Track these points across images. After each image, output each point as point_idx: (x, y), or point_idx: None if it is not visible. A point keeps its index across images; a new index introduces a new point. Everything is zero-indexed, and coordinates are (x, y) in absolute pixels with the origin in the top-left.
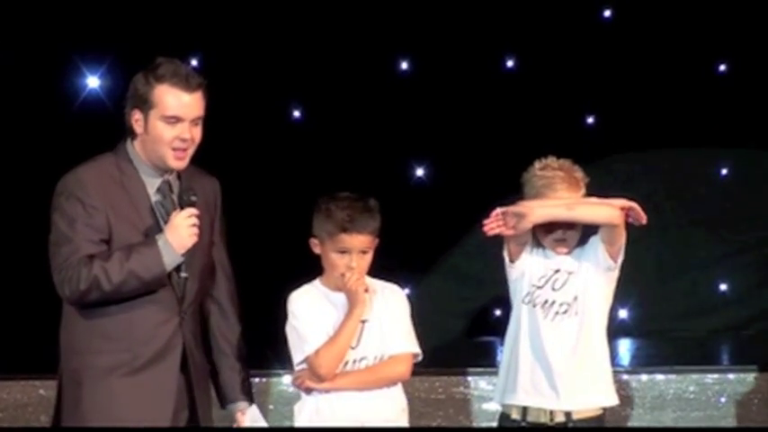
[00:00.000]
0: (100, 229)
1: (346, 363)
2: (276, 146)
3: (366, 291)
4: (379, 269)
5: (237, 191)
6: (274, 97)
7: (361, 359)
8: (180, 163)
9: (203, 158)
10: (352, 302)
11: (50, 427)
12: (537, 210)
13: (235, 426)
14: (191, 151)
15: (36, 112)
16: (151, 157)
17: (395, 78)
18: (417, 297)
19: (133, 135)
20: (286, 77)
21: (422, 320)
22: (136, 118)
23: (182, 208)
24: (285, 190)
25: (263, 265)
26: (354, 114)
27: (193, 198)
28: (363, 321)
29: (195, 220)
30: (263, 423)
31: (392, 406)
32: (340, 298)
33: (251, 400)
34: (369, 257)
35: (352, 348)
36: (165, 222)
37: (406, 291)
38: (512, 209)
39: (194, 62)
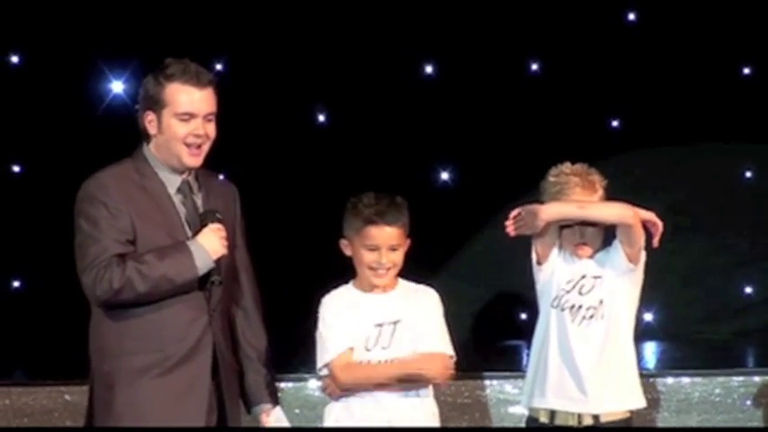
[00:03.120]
0: (125, 230)
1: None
2: (301, 150)
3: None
4: (405, 272)
5: (263, 195)
6: (299, 101)
7: (393, 360)
8: (195, 159)
9: (229, 162)
10: (406, 369)
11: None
12: (548, 208)
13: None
14: (206, 147)
15: (61, 116)
16: (167, 157)
17: (420, 82)
18: (441, 299)
19: (148, 138)
20: (311, 81)
21: (447, 324)
22: (149, 119)
23: (205, 226)
24: (310, 194)
25: (291, 269)
26: (379, 118)
27: (219, 216)
28: (395, 322)
29: (224, 234)
30: (286, 424)
31: (422, 410)
32: (372, 299)
33: (276, 402)
34: (399, 255)
35: (384, 349)
36: (188, 222)
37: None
38: (525, 208)
39: (219, 66)
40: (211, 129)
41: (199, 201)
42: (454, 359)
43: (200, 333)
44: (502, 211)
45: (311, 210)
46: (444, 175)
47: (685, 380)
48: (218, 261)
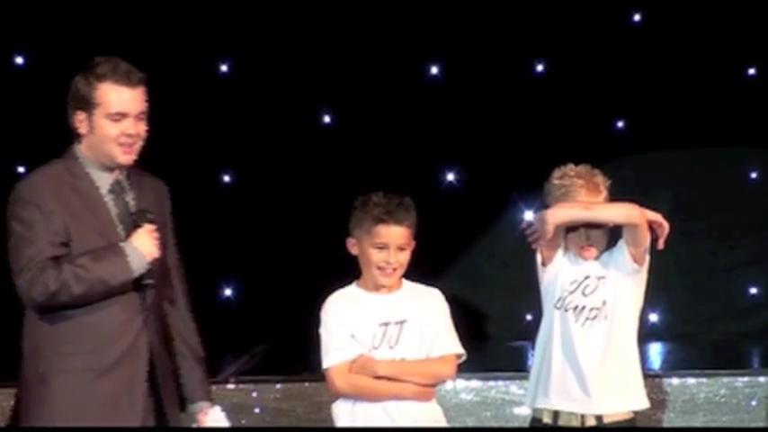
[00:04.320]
0: (59, 232)
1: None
2: (307, 151)
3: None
4: (410, 272)
5: (268, 195)
6: (305, 102)
7: (401, 360)
8: (128, 158)
9: (235, 162)
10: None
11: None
12: (555, 212)
13: (195, 426)
14: (137, 146)
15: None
16: (99, 156)
17: (425, 83)
18: (446, 300)
19: (78, 137)
20: (316, 83)
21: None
22: (80, 119)
23: (138, 227)
24: (315, 195)
25: (297, 268)
26: (385, 119)
27: (150, 216)
28: (402, 322)
29: (157, 235)
30: (226, 423)
31: (427, 412)
32: (377, 299)
33: (212, 400)
34: (406, 255)
35: (390, 348)
36: (121, 222)
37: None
38: (534, 217)
39: (225, 67)
40: (142, 127)
41: (130, 199)
42: (464, 357)
43: (136, 334)
44: (507, 211)
45: (317, 210)
46: (450, 176)
47: (690, 380)
48: (151, 262)
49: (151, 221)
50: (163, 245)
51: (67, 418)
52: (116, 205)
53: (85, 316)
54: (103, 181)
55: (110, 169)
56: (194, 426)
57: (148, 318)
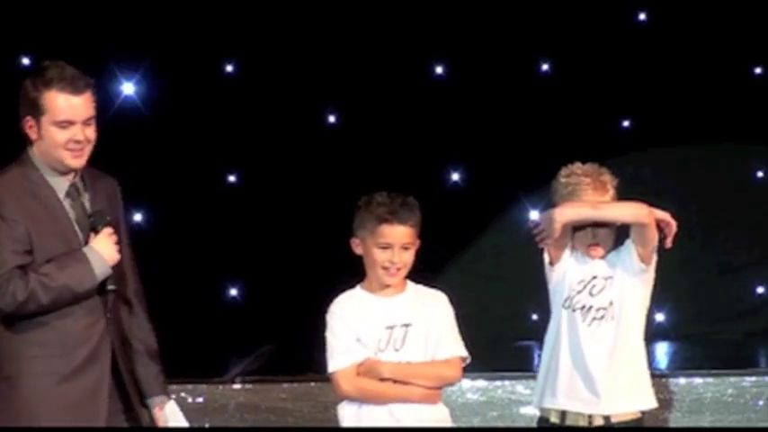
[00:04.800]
0: (22, 240)
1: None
2: (312, 151)
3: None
4: (416, 273)
5: (274, 195)
6: (309, 102)
7: (407, 363)
8: (78, 161)
9: (240, 162)
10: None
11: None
12: (563, 211)
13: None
14: (87, 150)
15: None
16: (50, 161)
17: (430, 83)
18: (452, 300)
19: (30, 142)
20: (321, 82)
21: (458, 324)
22: (30, 124)
23: (95, 230)
24: (320, 195)
25: (302, 268)
26: (389, 119)
27: (108, 218)
28: (407, 325)
29: (116, 238)
30: (181, 417)
31: (434, 414)
32: (382, 302)
33: (168, 395)
34: (410, 255)
35: (396, 351)
36: (79, 226)
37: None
38: (540, 216)
39: (230, 68)
40: (91, 132)
41: (87, 202)
42: (468, 360)
43: (99, 337)
44: (512, 211)
45: (322, 210)
46: (455, 176)
47: (698, 380)
48: (113, 267)
49: (108, 224)
50: (117, 242)
51: (34, 421)
52: (74, 209)
53: (51, 320)
54: (60, 185)
55: (64, 173)
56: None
57: (110, 321)
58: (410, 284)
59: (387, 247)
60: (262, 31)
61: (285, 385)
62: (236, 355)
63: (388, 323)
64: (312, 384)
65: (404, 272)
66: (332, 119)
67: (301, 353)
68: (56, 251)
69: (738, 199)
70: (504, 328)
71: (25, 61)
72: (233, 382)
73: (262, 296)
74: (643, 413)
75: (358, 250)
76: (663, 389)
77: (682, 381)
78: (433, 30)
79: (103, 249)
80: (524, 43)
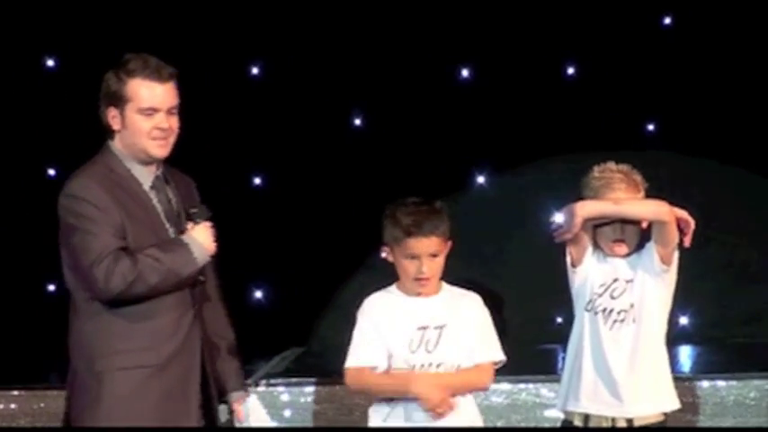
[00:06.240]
0: (118, 227)
1: (416, 367)
2: (337, 153)
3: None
4: (445, 277)
5: (300, 197)
6: (336, 104)
7: (439, 365)
8: (162, 150)
9: (266, 165)
10: (413, 389)
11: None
12: (584, 205)
13: (234, 416)
14: (171, 140)
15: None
16: (134, 151)
17: (456, 86)
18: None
19: (111, 134)
20: (347, 85)
21: None
22: (112, 115)
23: (194, 221)
24: (347, 197)
25: (327, 271)
26: (415, 121)
27: (209, 213)
28: (441, 327)
29: (214, 232)
30: (262, 413)
31: (465, 414)
32: (415, 302)
33: (247, 390)
34: (440, 261)
35: (428, 352)
36: (167, 218)
37: None
38: (563, 210)
39: (256, 70)
40: (175, 122)
41: (171, 195)
42: (503, 362)
43: (188, 329)
44: (537, 214)
45: (348, 212)
46: (480, 178)
47: (720, 383)
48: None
49: (209, 218)
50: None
51: (123, 417)
52: (159, 201)
53: (139, 313)
54: (144, 177)
55: (147, 164)
56: (227, 416)
57: (198, 313)
58: (445, 285)
59: (414, 257)
60: (287, 34)
61: (310, 388)
62: (261, 357)
63: (421, 324)
64: (337, 387)
65: (434, 280)
66: (358, 121)
67: (326, 355)
68: (148, 242)
69: (764, 202)
70: (529, 332)
71: (50, 63)
72: (257, 385)
73: (287, 299)
74: (666, 415)
75: (389, 258)
76: (686, 392)
77: (705, 384)
78: (459, 33)
79: (203, 238)
80: (550, 47)
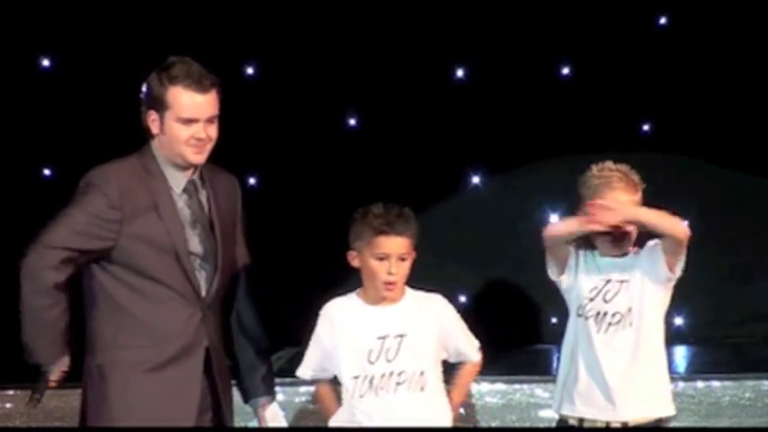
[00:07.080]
0: (100, 237)
1: (376, 377)
2: (332, 153)
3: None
4: (440, 277)
5: (294, 198)
6: (330, 105)
7: (400, 373)
8: (199, 157)
9: (260, 165)
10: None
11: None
12: (627, 206)
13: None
14: (209, 147)
15: (92, 119)
16: (170, 155)
17: (450, 86)
18: (472, 303)
19: (151, 135)
20: (342, 85)
21: (477, 327)
22: (152, 118)
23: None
24: (341, 197)
25: (320, 271)
26: (410, 122)
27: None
28: (401, 336)
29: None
30: (282, 419)
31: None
32: (376, 312)
33: (273, 396)
34: (407, 265)
35: (389, 362)
36: (196, 222)
37: (463, 297)
38: (603, 202)
39: (251, 70)
40: (213, 130)
41: (204, 199)
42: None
43: (194, 331)
44: (532, 215)
45: (342, 213)
46: (475, 179)
47: (716, 383)
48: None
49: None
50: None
51: (124, 410)
52: (189, 206)
53: (147, 311)
54: (177, 180)
55: (183, 168)
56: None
57: (207, 316)
58: (408, 292)
59: (384, 258)
60: (282, 34)
61: (303, 388)
62: None
63: (381, 333)
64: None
65: (400, 285)
66: (353, 121)
67: None
68: (147, 244)
69: (759, 204)
70: (523, 333)
71: (45, 63)
72: None
73: (281, 298)
74: (660, 420)
75: (355, 263)
76: (681, 392)
77: (700, 384)
78: (454, 33)
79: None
80: (545, 47)
